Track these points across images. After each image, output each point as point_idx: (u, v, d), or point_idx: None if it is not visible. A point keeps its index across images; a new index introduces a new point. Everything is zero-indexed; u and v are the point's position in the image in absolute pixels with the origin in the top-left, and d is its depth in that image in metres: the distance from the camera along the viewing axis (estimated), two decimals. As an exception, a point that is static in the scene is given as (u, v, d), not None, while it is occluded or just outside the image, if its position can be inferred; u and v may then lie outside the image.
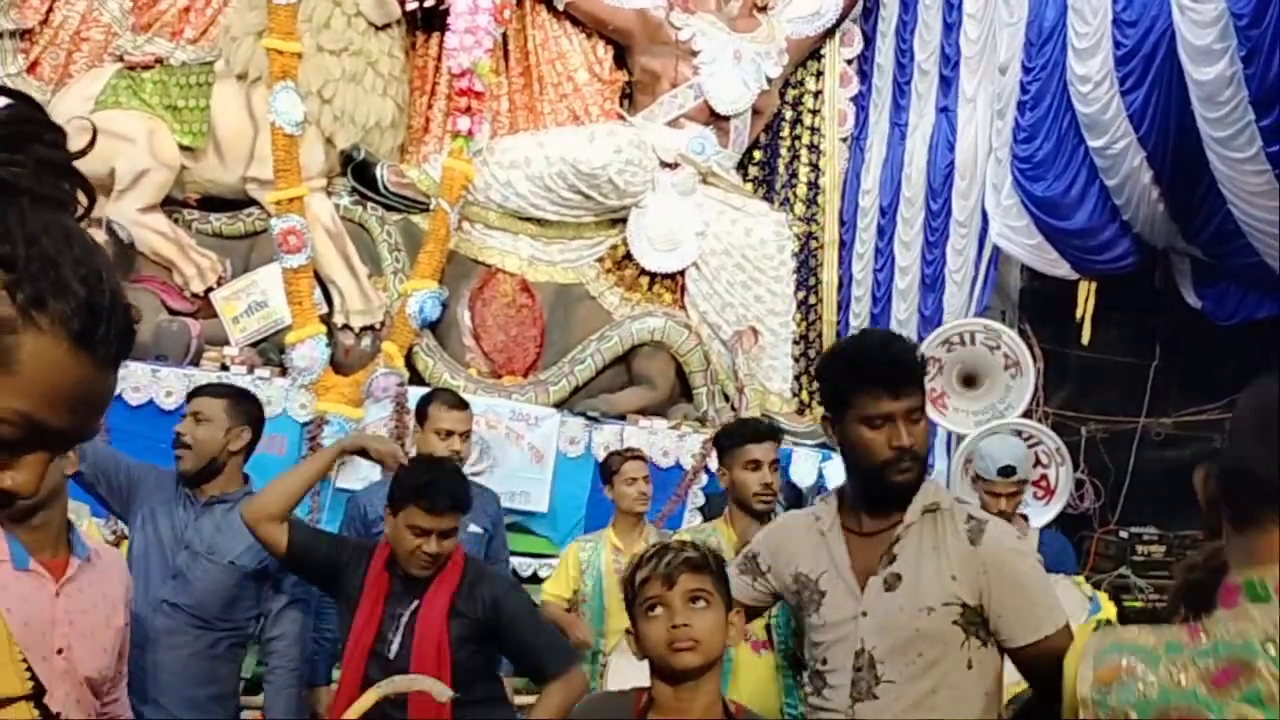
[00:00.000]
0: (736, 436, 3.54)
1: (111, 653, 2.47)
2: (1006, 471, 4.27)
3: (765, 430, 3.63)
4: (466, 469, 5.82)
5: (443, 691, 2.57)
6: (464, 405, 3.97)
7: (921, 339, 6.28)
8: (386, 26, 6.61)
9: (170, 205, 6.52)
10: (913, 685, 2.06)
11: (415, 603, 2.84)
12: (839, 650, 2.15)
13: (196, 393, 3.45)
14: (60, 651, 2.40)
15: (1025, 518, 4.58)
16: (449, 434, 3.83)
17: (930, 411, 5.91)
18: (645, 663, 2.00)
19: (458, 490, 2.86)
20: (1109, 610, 3.45)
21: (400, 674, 2.68)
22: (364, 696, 2.59)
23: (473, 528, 3.78)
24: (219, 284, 6.39)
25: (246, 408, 3.35)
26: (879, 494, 2.16)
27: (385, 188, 6.68)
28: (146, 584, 3.10)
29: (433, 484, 2.82)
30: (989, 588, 2.04)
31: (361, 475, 5.75)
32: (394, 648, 2.81)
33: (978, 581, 2.04)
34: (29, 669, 1.17)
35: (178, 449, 3.24)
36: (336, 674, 3.87)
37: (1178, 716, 1.12)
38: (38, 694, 1.17)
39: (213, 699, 3.25)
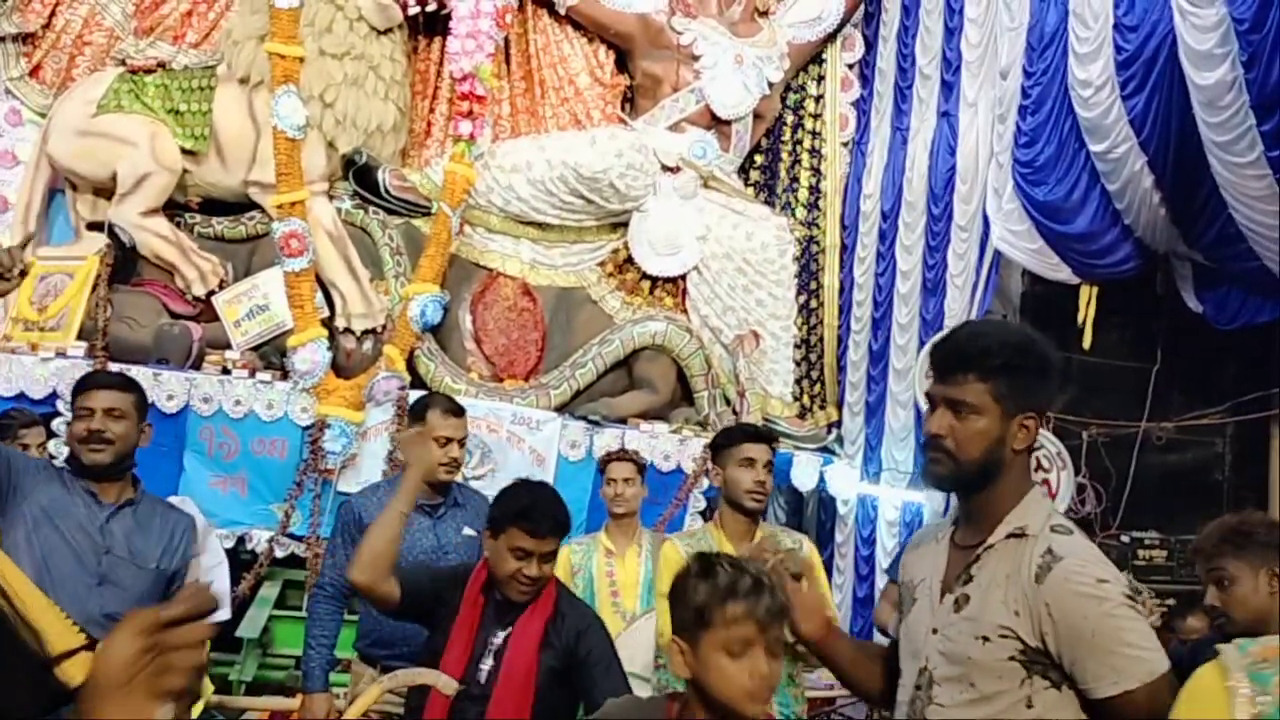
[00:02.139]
0: (734, 436, 3.53)
1: None
2: None
3: (764, 432, 3.64)
4: (468, 472, 5.92)
5: (448, 684, 2.58)
6: (461, 412, 3.89)
7: (923, 343, 6.29)
8: (388, 31, 6.62)
9: (172, 209, 6.53)
10: (958, 713, 1.94)
11: (508, 630, 2.81)
12: (910, 663, 2.08)
13: (99, 384, 3.19)
14: None
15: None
16: (447, 441, 3.76)
17: (931, 415, 5.93)
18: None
19: (559, 513, 2.83)
20: None
21: (486, 700, 2.67)
22: (368, 691, 2.60)
23: (467, 530, 3.78)
24: (221, 287, 6.40)
25: (144, 403, 3.22)
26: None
27: (387, 191, 6.69)
28: (57, 591, 2.86)
29: (534, 506, 2.79)
30: (1054, 632, 1.85)
31: (362, 479, 5.77)
32: (484, 674, 2.77)
33: (1040, 624, 1.86)
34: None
35: (95, 444, 3.05)
36: (334, 677, 3.89)
37: None
38: (91, 645, 1.25)
39: None
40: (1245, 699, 1.42)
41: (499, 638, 2.80)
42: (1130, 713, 1.81)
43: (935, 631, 2.00)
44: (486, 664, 2.77)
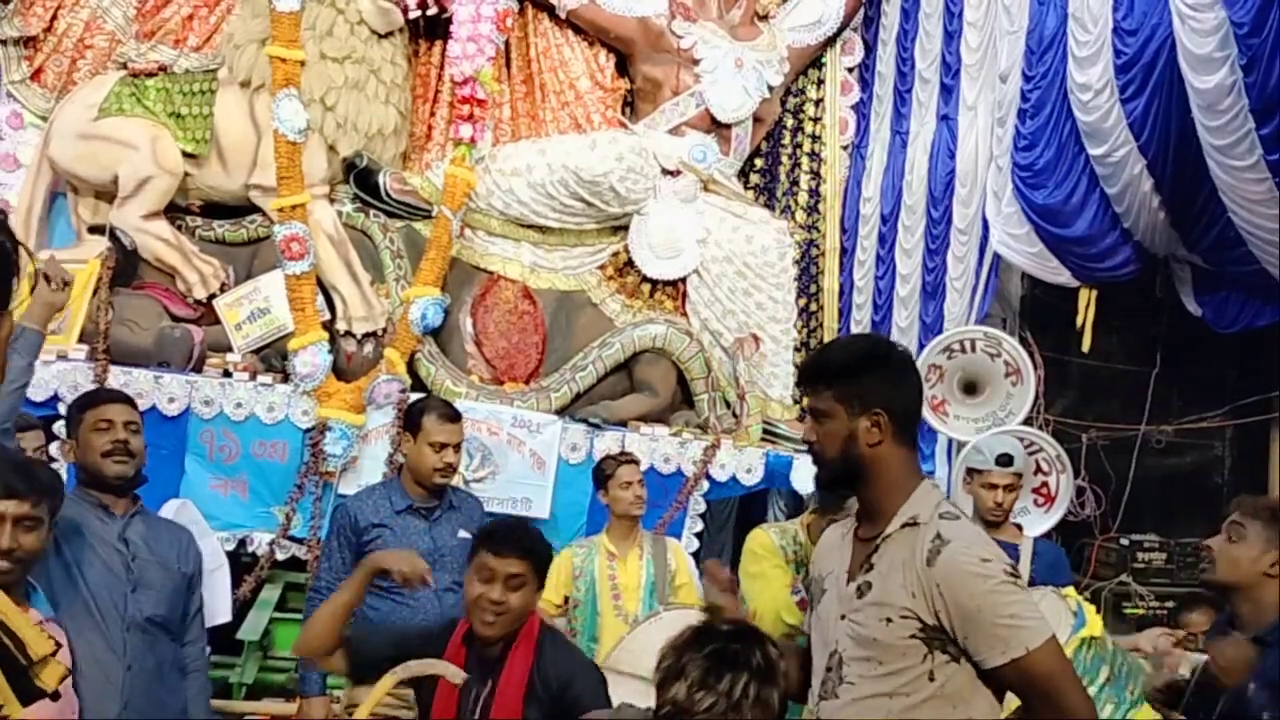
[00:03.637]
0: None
1: None
2: (1004, 460, 4.26)
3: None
4: (468, 475, 5.93)
5: (456, 674, 2.58)
6: (457, 417, 3.89)
7: (923, 346, 6.30)
8: (389, 35, 6.63)
9: (173, 212, 6.53)
10: (869, 686, 2.10)
11: (491, 683, 2.71)
12: (820, 651, 2.24)
13: (114, 399, 3.33)
14: None
15: (1020, 527, 4.58)
16: (443, 447, 3.77)
17: (931, 418, 5.95)
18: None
19: (527, 538, 2.79)
20: (1094, 623, 3.42)
21: None
22: (380, 683, 2.60)
23: (462, 533, 3.79)
24: (222, 290, 6.40)
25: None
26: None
27: (388, 195, 6.70)
28: (95, 599, 3.01)
29: (500, 527, 2.85)
30: (946, 610, 2.03)
31: (363, 481, 5.77)
32: None
33: (933, 602, 2.04)
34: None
35: (121, 456, 3.14)
36: (331, 681, 3.89)
37: None
38: (57, 649, 1.40)
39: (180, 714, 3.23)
40: None
41: (483, 693, 2.70)
42: (1020, 679, 2.01)
43: (844, 617, 2.17)
44: (467, 714, 2.70)
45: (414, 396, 5.96)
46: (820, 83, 7.80)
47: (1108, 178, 5.21)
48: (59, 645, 1.42)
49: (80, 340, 5.99)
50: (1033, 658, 1.98)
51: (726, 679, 1.80)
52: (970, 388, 5.93)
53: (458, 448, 3.88)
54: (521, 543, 2.76)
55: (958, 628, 2.03)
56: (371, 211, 6.71)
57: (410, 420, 3.93)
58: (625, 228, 7.17)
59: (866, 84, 7.74)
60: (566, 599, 4.48)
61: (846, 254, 7.58)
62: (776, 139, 7.76)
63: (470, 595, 2.73)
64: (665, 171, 7.11)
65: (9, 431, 3.14)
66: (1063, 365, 6.34)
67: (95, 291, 6.05)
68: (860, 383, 2.18)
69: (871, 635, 2.10)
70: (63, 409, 5.47)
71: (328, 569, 3.78)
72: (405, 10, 6.64)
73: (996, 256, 5.97)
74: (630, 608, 4.37)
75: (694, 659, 1.84)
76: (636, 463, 4.66)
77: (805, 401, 2.27)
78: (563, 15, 7.31)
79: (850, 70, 7.80)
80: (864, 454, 2.17)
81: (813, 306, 7.57)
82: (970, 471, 4.36)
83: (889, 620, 2.08)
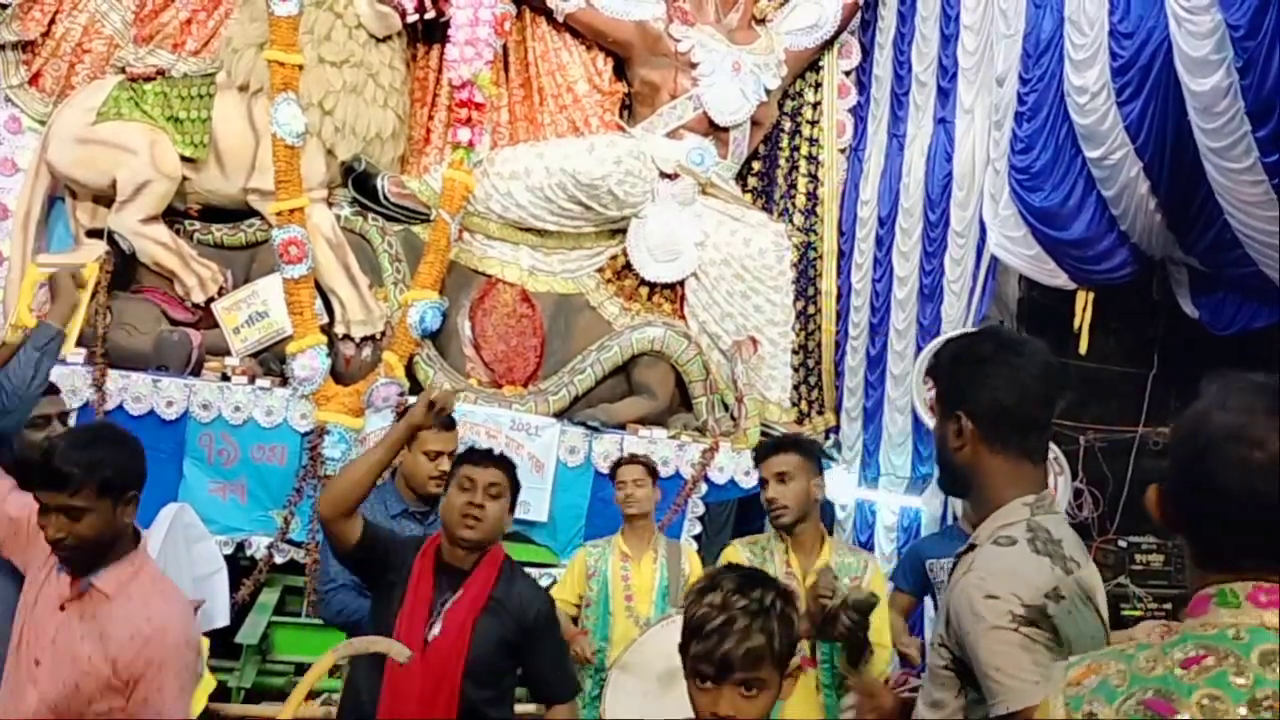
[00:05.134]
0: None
1: (72, 692, 2.40)
2: None
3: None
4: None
5: (401, 652, 2.62)
6: (452, 425, 3.87)
7: (920, 348, 6.31)
8: (387, 38, 6.64)
9: (172, 216, 6.54)
10: (921, 714, 1.92)
11: (457, 592, 2.94)
12: None
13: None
14: (37, 663, 2.42)
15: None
16: (438, 455, 3.75)
17: (928, 420, 5.94)
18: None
19: (503, 457, 3.12)
20: None
21: (435, 660, 2.80)
22: (321, 659, 2.63)
23: None
24: (220, 294, 6.40)
25: None
26: None
27: (386, 198, 6.71)
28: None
29: (477, 449, 3.18)
30: (959, 644, 1.79)
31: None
32: (433, 634, 2.88)
33: (955, 634, 1.80)
34: None
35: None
36: (331, 684, 3.89)
37: (1147, 700, 1.16)
38: None
39: None
40: None
41: (447, 601, 2.93)
42: None
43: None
44: (436, 626, 2.90)
45: (412, 400, 5.96)
46: (818, 86, 7.81)
47: (1104, 180, 5.22)
48: None
49: (78, 344, 5.97)
50: (1018, 717, 1.67)
51: (758, 589, 1.84)
52: (968, 390, 5.93)
53: (452, 455, 3.85)
54: (500, 457, 3.10)
55: (970, 664, 1.78)
56: (370, 215, 6.72)
57: None
58: (623, 231, 7.18)
59: (864, 87, 7.75)
60: (580, 598, 4.47)
61: (844, 257, 7.59)
62: (774, 142, 7.77)
63: (451, 505, 2.96)
64: (663, 175, 7.12)
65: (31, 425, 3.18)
66: (1060, 367, 6.34)
67: (94, 295, 6.04)
68: (948, 382, 2.00)
69: (930, 662, 1.92)
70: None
71: (338, 567, 3.70)
72: (403, 14, 6.65)
73: (994, 259, 5.98)
74: (642, 610, 4.37)
75: (727, 577, 1.89)
76: (640, 463, 4.65)
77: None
78: (561, 19, 7.32)
79: (847, 74, 7.82)
80: (954, 460, 1.97)
81: (810, 309, 7.58)
82: None
83: (933, 646, 1.89)
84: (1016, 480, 1.93)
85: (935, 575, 4.32)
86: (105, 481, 2.45)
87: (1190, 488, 1.29)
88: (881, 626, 3.39)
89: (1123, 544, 5.99)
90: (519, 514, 5.95)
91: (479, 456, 3.07)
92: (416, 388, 6.39)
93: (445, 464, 3.77)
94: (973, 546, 1.90)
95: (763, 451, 3.69)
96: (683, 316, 7.18)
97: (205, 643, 4.07)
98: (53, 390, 3.69)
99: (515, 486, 3.08)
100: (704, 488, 6.54)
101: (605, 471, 6.24)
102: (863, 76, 7.78)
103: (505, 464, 3.08)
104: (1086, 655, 1.26)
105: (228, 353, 6.31)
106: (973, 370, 1.95)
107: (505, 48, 7.24)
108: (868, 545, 6.85)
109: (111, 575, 2.48)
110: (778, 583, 1.90)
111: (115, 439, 2.60)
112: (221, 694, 5.21)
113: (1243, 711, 1.13)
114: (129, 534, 2.56)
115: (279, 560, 5.99)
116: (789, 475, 3.49)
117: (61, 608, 2.48)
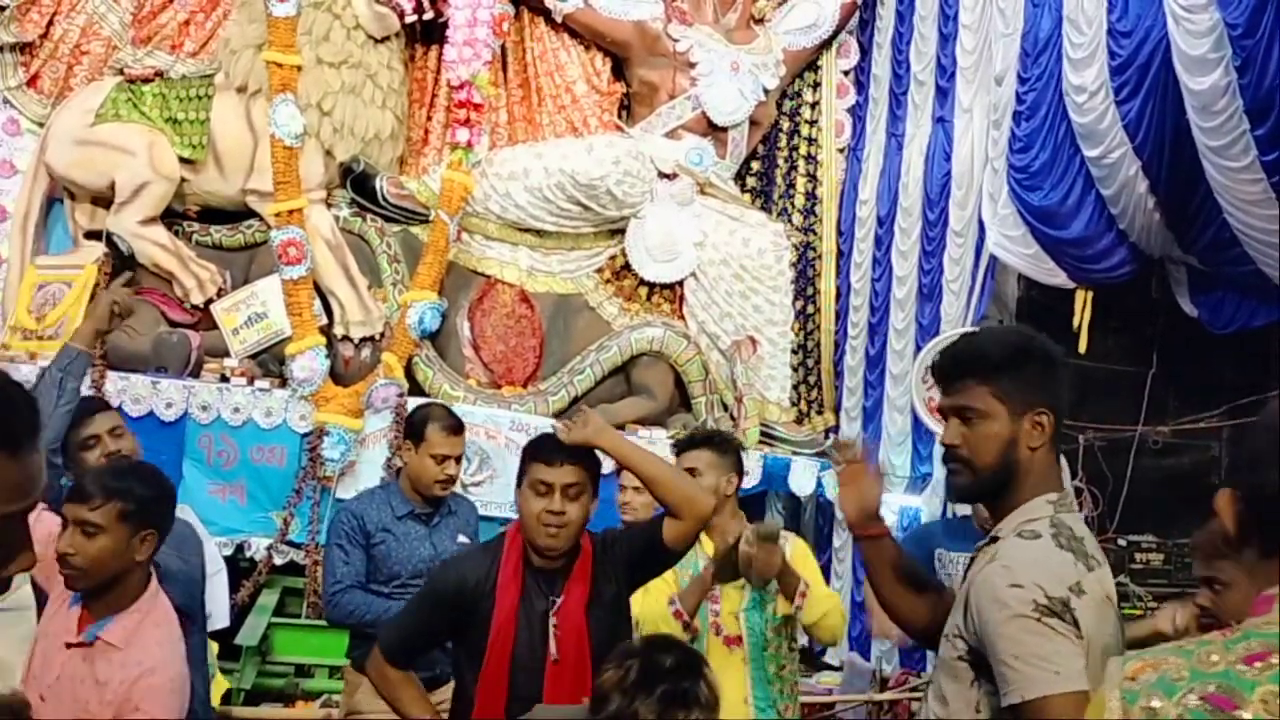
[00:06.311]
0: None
1: None
2: None
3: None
4: (466, 480, 5.91)
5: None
6: (461, 428, 3.81)
7: (919, 348, 6.31)
8: (386, 39, 6.64)
9: (170, 217, 6.54)
10: (929, 712, 1.95)
11: (555, 599, 2.68)
12: None
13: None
14: (42, 699, 2.42)
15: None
16: (445, 459, 3.71)
17: (927, 420, 5.95)
18: None
19: (576, 447, 2.71)
20: None
21: (542, 673, 2.59)
22: None
23: (461, 538, 3.78)
24: (219, 296, 6.40)
25: None
26: None
27: (384, 199, 6.70)
28: None
29: (545, 440, 2.78)
30: (978, 635, 1.82)
31: (361, 485, 5.76)
32: (536, 646, 2.65)
33: (973, 625, 1.83)
34: None
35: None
36: (328, 684, 3.89)
37: (1208, 695, 1.15)
38: None
39: None
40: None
41: (544, 610, 2.66)
42: None
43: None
44: (552, 647, 2.64)
45: (412, 401, 5.96)
46: (816, 86, 7.81)
47: (1103, 179, 5.22)
48: None
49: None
50: (1032, 706, 1.70)
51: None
52: (967, 389, 5.92)
53: (459, 459, 3.82)
54: (573, 450, 2.68)
55: (987, 655, 1.80)
56: (368, 216, 6.72)
57: (412, 429, 3.82)
58: (622, 231, 7.18)
59: (862, 87, 7.75)
60: None
61: (843, 256, 7.59)
62: (773, 142, 7.77)
63: (529, 512, 2.66)
64: (662, 175, 7.12)
65: (56, 450, 3.17)
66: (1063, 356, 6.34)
67: (92, 297, 6.04)
68: (1022, 377, 1.94)
69: (941, 654, 1.93)
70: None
71: (345, 567, 3.67)
72: (401, 15, 6.64)
73: (993, 258, 5.98)
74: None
75: (646, 703, 1.87)
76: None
77: (943, 402, 2.01)
78: (559, 19, 7.32)
79: (846, 73, 7.82)
80: (1021, 459, 1.93)
81: (809, 309, 7.58)
82: None
83: (947, 638, 1.91)
84: (1053, 477, 1.97)
85: (944, 566, 4.30)
86: (126, 509, 2.46)
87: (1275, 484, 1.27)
88: (815, 578, 3.49)
89: (1122, 543, 5.98)
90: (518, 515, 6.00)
91: (548, 452, 2.69)
92: (416, 389, 6.39)
93: (452, 467, 3.76)
94: (995, 539, 1.92)
95: (678, 447, 3.68)
96: (682, 317, 7.18)
97: (214, 646, 4.08)
98: (103, 407, 3.68)
99: (596, 475, 2.74)
100: (703, 488, 6.52)
101: (606, 472, 6.25)
102: (861, 76, 7.78)
103: (580, 456, 2.70)
104: (1145, 651, 1.26)
105: (227, 354, 6.30)
106: (1050, 369, 1.98)
107: (504, 48, 7.23)
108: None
109: (119, 627, 2.46)
110: (699, 687, 1.95)
111: (149, 476, 2.65)
112: (221, 696, 5.21)
113: None
114: (140, 575, 2.54)
115: (278, 561, 5.98)
116: (698, 471, 3.44)
117: (68, 645, 2.48)
